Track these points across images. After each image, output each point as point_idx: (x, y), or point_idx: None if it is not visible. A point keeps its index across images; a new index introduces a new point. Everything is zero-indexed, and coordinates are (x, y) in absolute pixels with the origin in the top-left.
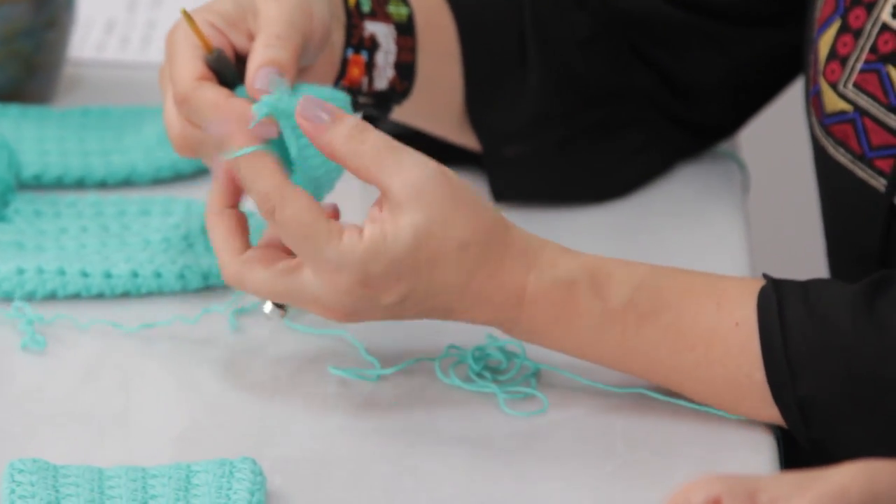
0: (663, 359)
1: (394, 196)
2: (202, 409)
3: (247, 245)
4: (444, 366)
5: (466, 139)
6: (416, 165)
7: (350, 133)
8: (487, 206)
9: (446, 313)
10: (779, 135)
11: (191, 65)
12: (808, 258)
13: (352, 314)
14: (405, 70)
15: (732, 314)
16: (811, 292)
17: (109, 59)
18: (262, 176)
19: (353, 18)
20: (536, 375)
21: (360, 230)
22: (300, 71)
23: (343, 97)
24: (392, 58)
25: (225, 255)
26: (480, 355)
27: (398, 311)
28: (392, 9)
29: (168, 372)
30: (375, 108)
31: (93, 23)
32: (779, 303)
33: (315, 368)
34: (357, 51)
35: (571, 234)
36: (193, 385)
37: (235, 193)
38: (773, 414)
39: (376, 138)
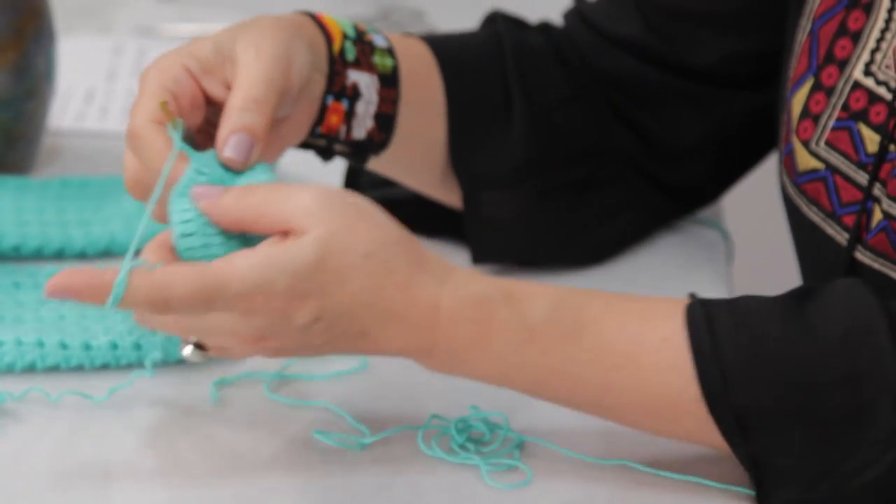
0: (589, 378)
1: (293, 223)
2: (182, 481)
3: None
4: (426, 436)
5: (444, 193)
6: (307, 189)
7: (239, 193)
8: (390, 222)
9: (361, 337)
10: (763, 204)
11: (153, 104)
12: None
13: (266, 338)
14: (385, 121)
15: (659, 329)
16: (739, 305)
17: (89, 129)
18: (138, 293)
19: (336, 65)
20: (520, 447)
21: (255, 249)
22: (275, 122)
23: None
24: (372, 108)
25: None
26: (464, 426)
27: (313, 335)
28: (377, 59)
29: (148, 444)
30: (352, 157)
31: (73, 93)
32: (707, 315)
33: (296, 439)
34: (338, 98)
35: None
36: (174, 456)
37: None
38: (712, 432)
39: (264, 186)
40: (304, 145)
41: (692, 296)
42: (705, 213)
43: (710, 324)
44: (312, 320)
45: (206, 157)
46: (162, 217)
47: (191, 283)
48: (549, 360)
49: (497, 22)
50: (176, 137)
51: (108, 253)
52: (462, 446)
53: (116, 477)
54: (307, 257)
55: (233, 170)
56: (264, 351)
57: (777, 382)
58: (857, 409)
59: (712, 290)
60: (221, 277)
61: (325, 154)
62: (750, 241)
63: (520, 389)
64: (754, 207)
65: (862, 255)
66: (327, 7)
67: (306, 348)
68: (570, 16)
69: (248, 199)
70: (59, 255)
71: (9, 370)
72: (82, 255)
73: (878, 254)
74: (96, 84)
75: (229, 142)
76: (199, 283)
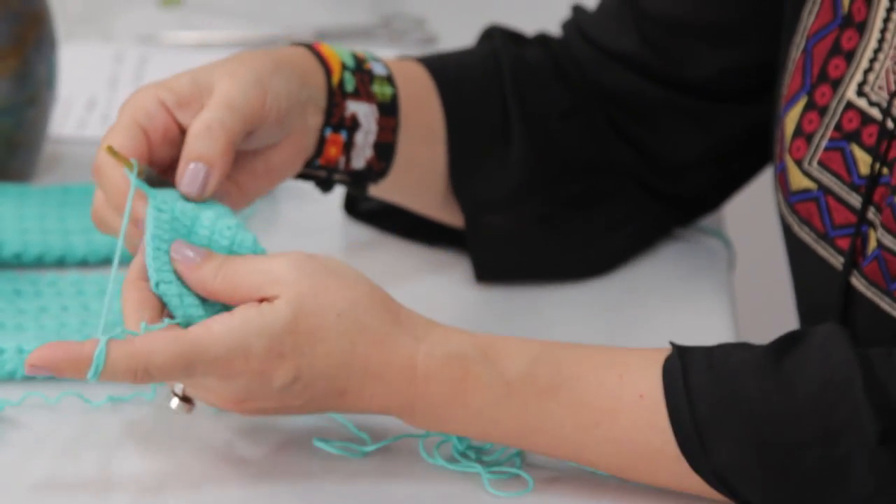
0: (568, 435)
1: (266, 291)
2: (183, 489)
3: (157, 320)
4: (428, 445)
5: (446, 215)
6: (280, 257)
7: (217, 265)
8: (363, 279)
9: (341, 396)
10: (764, 212)
11: (120, 137)
12: None
13: (247, 399)
14: (384, 150)
15: (636, 386)
16: (717, 357)
17: (90, 137)
18: (118, 365)
19: (336, 97)
20: (521, 455)
21: (233, 313)
22: (261, 151)
23: (250, 240)
24: (372, 138)
25: (133, 326)
26: None
27: (292, 396)
28: (376, 88)
29: (148, 451)
30: (351, 186)
31: (74, 100)
32: (683, 370)
33: (298, 446)
34: (336, 130)
35: (556, 312)
36: (174, 464)
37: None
38: (696, 482)
39: (241, 263)
40: (304, 176)
41: (672, 344)
42: (706, 221)
43: (686, 379)
44: (291, 381)
45: (164, 193)
46: (132, 247)
47: (170, 350)
48: (528, 417)
49: (494, 37)
50: (132, 177)
51: (110, 261)
52: (463, 454)
53: (116, 484)
54: (281, 319)
55: (191, 200)
56: (247, 412)
57: (753, 441)
58: (834, 466)
59: (713, 297)
60: (199, 343)
61: (325, 185)
62: (751, 248)
63: (502, 443)
64: (756, 215)
65: (857, 282)
66: (329, 16)
67: (288, 409)
68: (568, 27)
69: (225, 271)
70: (61, 263)
71: (10, 378)
72: (83, 263)
73: (871, 283)
74: (98, 91)
75: (185, 173)
76: (177, 349)
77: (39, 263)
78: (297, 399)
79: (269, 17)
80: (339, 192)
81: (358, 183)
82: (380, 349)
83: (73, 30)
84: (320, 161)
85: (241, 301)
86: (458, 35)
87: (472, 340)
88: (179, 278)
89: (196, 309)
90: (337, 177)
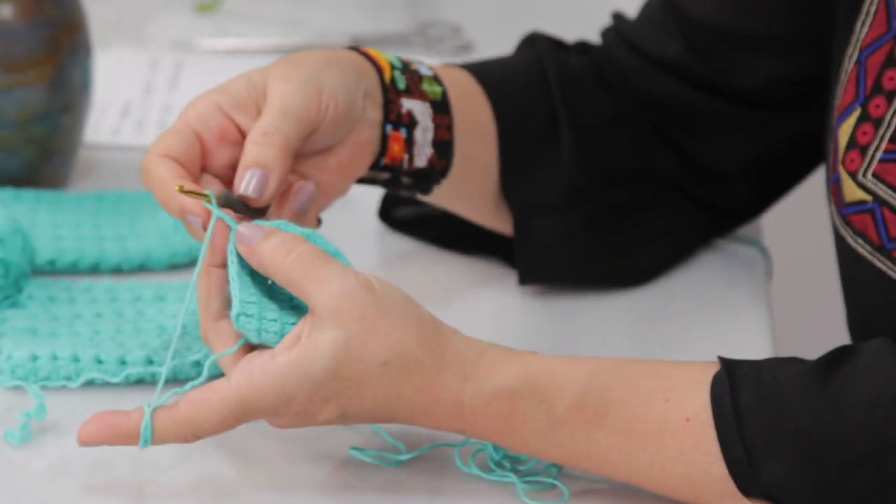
0: (615, 461)
1: (316, 311)
2: (217, 497)
3: (224, 309)
4: (463, 453)
5: (497, 222)
6: (338, 278)
7: (278, 246)
8: (413, 316)
9: (391, 419)
10: (803, 220)
11: (170, 139)
12: (833, 345)
13: (292, 426)
14: (443, 148)
15: (683, 409)
16: (765, 374)
17: (125, 143)
18: (167, 434)
19: (390, 94)
20: (557, 465)
21: (273, 356)
22: (331, 149)
23: (316, 235)
24: (430, 135)
25: (202, 313)
26: None
27: (339, 422)
28: (426, 87)
29: (182, 457)
30: (416, 188)
31: (109, 107)
32: (732, 389)
33: (332, 455)
34: (396, 127)
35: (594, 321)
36: (208, 472)
37: (223, 254)
38: (739, 502)
39: (303, 251)
40: (371, 182)
41: (720, 359)
42: (744, 230)
43: (734, 399)
44: (336, 417)
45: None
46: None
47: (215, 413)
48: (575, 447)
49: (537, 44)
50: (213, 209)
51: (144, 268)
52: (499, 464)
53: (150, 492)
54: (323, 364)
55: (250, 206)
56: (289, 427)
57: (803, 460)
58: (886, 484)
59: (751, 306)
60: (245, 399)
61: (392, 186)
62: (789, 258)
63: (549, 461)
64: (793, 225)
65: None
66: (364, 23)
67: (336, 424)
68: (609, 34)
69: (285, 257)
70: (94, 270)
71: (44, 384)
72: (118, 270)
73: None
74: (132, 98)
75: (243, 178)
76: (224, 409)
77: (73, 270)
78: (347, 423)
79: (304, 24)
80: (375, 200)
81: (422, 184)
82: (426, 393)
83: (108, 36)
84: (385, 160)
85: (294, 289)
86: (495, 42)
87: (521, 371)
88: (259, 311)
89: (273, 345)
90: (404, 179)
